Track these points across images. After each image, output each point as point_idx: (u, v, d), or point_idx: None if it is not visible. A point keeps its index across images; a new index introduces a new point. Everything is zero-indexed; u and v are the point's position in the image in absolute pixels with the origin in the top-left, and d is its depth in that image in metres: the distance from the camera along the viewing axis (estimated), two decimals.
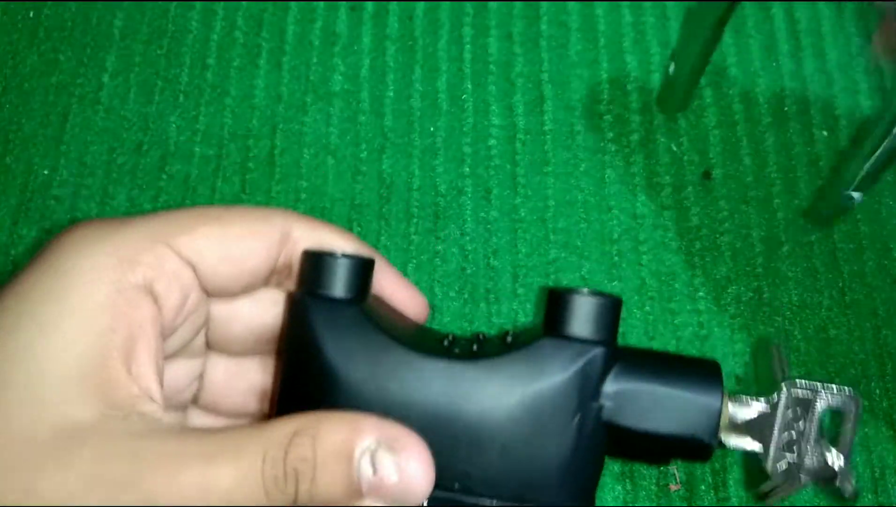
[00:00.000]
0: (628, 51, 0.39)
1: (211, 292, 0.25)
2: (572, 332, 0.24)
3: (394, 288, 0.28)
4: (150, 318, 0.23)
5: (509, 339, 0.25)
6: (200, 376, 0.27)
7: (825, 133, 0.38)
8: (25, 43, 0.40)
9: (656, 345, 0.35)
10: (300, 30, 0.40)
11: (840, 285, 0.36)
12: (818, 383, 0.26)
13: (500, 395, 0.24)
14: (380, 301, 0.27)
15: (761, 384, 0.32)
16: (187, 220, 0.24)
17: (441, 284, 0.35)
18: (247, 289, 0.26)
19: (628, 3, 0.40)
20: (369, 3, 0.40)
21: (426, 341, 0.25)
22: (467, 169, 0.37)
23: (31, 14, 0.40)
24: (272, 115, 0.38)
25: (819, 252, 0.36)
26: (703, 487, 0.33)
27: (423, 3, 0.40)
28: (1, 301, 0.22)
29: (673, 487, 0.33)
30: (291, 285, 0.27)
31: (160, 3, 0.40)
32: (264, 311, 0.27)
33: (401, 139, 0.38)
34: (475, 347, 0.25)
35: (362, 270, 0.26)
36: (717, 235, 0.36)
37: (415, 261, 0.36)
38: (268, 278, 0.26)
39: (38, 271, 0.23)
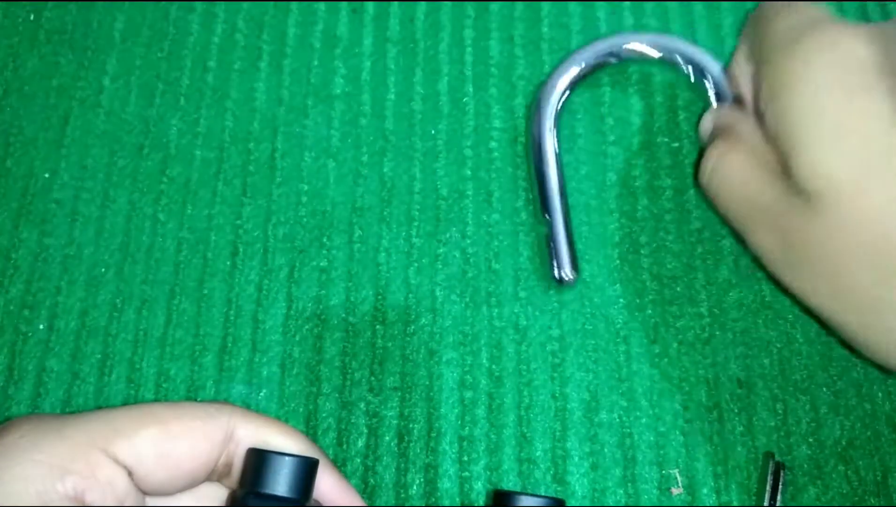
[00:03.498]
0: None
1: (148, 492, 0.25)
2: None
3: (334, 491, 0.27)
4: None
5: None
6: None
7: None
8: (26, 46, 0.40)
9: (658, 347, 0.34)
10: (301, 32, 0.40)
11: None
12: None
13: None
14: (317, 503, 0.27)
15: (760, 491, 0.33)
16: (128, 422, 0.24)
17: (442, 287, 0.35)
18: (186, 488, 0.26)
19: (629, 4, 0.40)
20: (370, 5, 0.40)
21: None
22: (469, 172, 0.37)
23: (32, 17, 0.40)
24: (273, 117, 0.38)
25: None
26: (704, 490, 0.33)
27: (424, 5, 0.40)
28: None
29: (675, 491, 0.33)
30: (232, 482, 0.27)
31: (161, 5, 0.40)
32: (203, 505, 0.27)
33: (402, 142, 0.38)
34: None
35: (307, 470, 0.25)
36: (719, 239, 0.36)
37: (416, 264, 0.36)
38: (208, 476, 0.26)
39: None
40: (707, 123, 0.35)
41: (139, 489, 0.25)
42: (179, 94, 0.39)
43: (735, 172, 0.32)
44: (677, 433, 0.33)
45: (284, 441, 0.27)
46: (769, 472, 0.32)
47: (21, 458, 0.23)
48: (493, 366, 0.34)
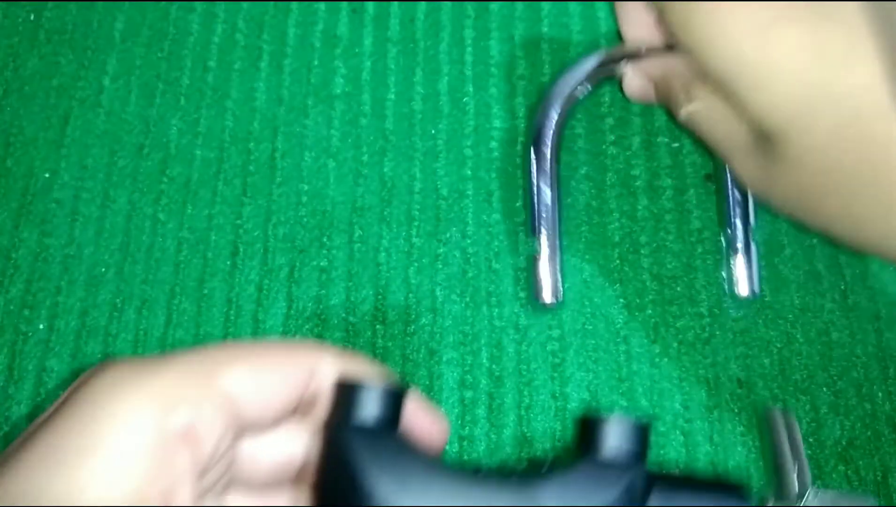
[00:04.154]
0: None
1: (243, 428, 0.25)
2: (611, 456, 0.25)
3: (419, 414, 0.28)
4: (188, 464, 0.22)
5: (546, 468, 0.26)
6: None
7: None
8: (26, 46, 0.40)
9: (658, 347, 0.34)
10: (301, 32, 0.40)
11: (842, 287, 0.36)
12: (840, 492, 0.29)
13: None
14: (405, 430, 0.27)
15: (766, 454, 0.33)
16: (224, 356, 0.24)
17: (442, 287, 0.35)
18: (274, 424, 0.26)
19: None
20: (370, 4, 0.40)
21: (461, 470, 0.26)
22: (469, 172, 0.37)
23: (32, 17, 0.40)
24: (273, 117, 0.38)
25: (821, 255, 0.36)
26: None
27: (424, 5, 0.40)
28: (33, 450, 0.22)
29: None
30: (314, 418, 0.27)
31: (161, 5, 0.40)
32: (286, 445, 0.27)
33: (402, 142, 0.38)
34: (517, 477, 0.26)
35: (396, 399, 0.26)
36: (719, 239, 0.36)
37: (416, 264, 0.36)
38: (292, 412, 0.27)
39: (69, 419, 0.22)
40: (634, 83, 0.35)
41: (237, 425, 0.25)
42: (180, 94, 0.39)
43: (704, 118, 0.32)
44: (677, 432, 0.33)
45: (368, 373, 0.27)
46: (779, 427, 0.31)
47: (130, 393, 0.22)
48: (493, 366, 0.34)
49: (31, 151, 0.38)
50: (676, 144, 0.38)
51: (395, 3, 0.40)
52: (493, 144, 0.38)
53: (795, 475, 0.30)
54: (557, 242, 0.35)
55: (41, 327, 0.35)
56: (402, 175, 0.37)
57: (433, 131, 0.38)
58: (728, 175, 0.35)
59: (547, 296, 0.34)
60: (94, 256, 0.36)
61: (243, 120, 0.38)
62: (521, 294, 0.35)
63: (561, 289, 0.35)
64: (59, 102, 0.39)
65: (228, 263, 0.36)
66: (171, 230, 0.36)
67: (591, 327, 0.35)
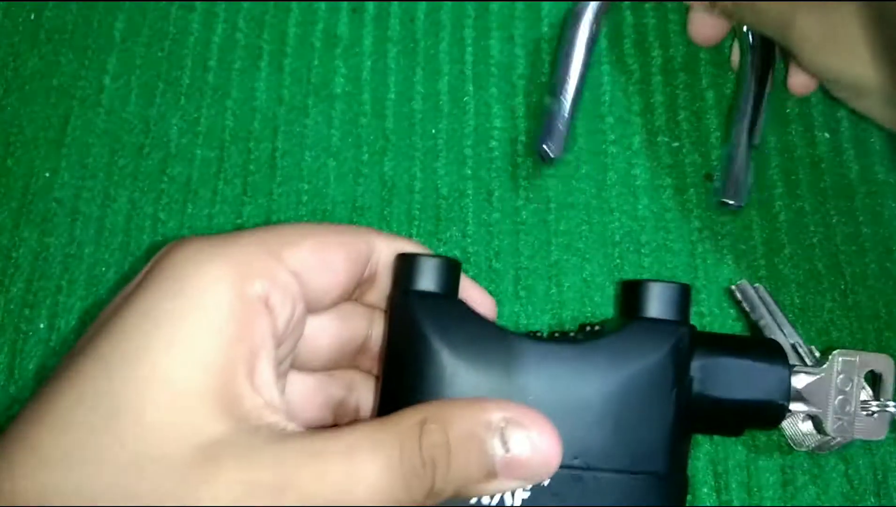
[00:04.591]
0: (629, 53, 0.39)
1: (309, 301, 0.26)
2: (660, 315, 0.27)
3: (468, 289, 0.29)
4: (269, 329, 0.23)
5: (598, 328, 0.28)
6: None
7: (827, 135, 0.38)
8: (27, 45, 0.40)
9: None
10: (301, 32, 0.40)
11: (842, 287, 0.36)
12: (860, 352, 0.31)
13: (608, 374, 0.26)
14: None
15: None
16: (290, 234, 0.25)
17: None
18: (336, 302, 0.27)
19: (629, 3, 0.40)
20: (371, 4, 0.40)
21: (518, 332, 0.27)
22: (469, 171, 0.37)
23: (33, 16, 0.40)
24: (273, 117, 0.38)
25: (821, 254, 0.36)
26: (705, 490, 0.33)
27: (424, 4, 0.40)
28: (122, 319, 0.22)
29: None
30: (372, 297, 0.28)
31: (161, 5, 0.40)
32: (346, 325, 0.28)
33: (402, 141, 0.38)
34: (570, 334, 0.28)
35: (453, 269, 0.27)
36: (719, 238, 0.36)
37: None
38: (352, 294, 0.28)
39: (157, 286, 0.23)
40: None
41: (305, 301, 0.25)
42: (180, 93, 0.39)
43: None
44: None
45: (420, 251, 0.28)
46: (752, 298, 0.33)
47: (208, 265, 0.23)
48: None
49: (31, 150, 0.38)
50: (676, 144, 0.38)
51: (395, 3, 0.40)
52: (493, 143, 0.38)
53: (788, 337, 0.32)
54: (578, 104, 0.36)
55: (42, 326, 0.35)
56: (403, 175, 0.37)
57: (433, 131, 0.38)
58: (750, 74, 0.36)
59: (552, 147, 0.35)
60: (94, 255, 0.36)
61: (244, 119, 0.38)
62: (522, 294, 0.35)
63: (564, 147, 0.35)
64: (59, 102, 0.39)
65: None
66: (171, 230, 0.36)
67: None
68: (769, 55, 0.37)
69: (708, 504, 0.32)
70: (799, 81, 0.37)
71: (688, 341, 0.27)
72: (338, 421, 0.29)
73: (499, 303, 0.35)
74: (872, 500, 0.33)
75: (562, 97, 0.36)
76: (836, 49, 0.32)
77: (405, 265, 0.27)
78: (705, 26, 0.38)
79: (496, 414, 0.22)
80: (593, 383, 0.26)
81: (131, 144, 0.38)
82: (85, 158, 0.38)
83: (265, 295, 0.23)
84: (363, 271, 0.27)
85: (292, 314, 0.24)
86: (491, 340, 0.26)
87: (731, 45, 0.39)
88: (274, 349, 0.23)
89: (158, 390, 0.21)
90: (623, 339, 0.26)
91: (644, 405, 0.26)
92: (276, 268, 0.24)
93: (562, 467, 0.22)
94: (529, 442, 0.22)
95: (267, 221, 0.36)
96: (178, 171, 0.37)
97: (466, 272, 0.35)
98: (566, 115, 0.36)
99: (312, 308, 0.26)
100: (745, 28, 0.37)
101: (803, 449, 0.32)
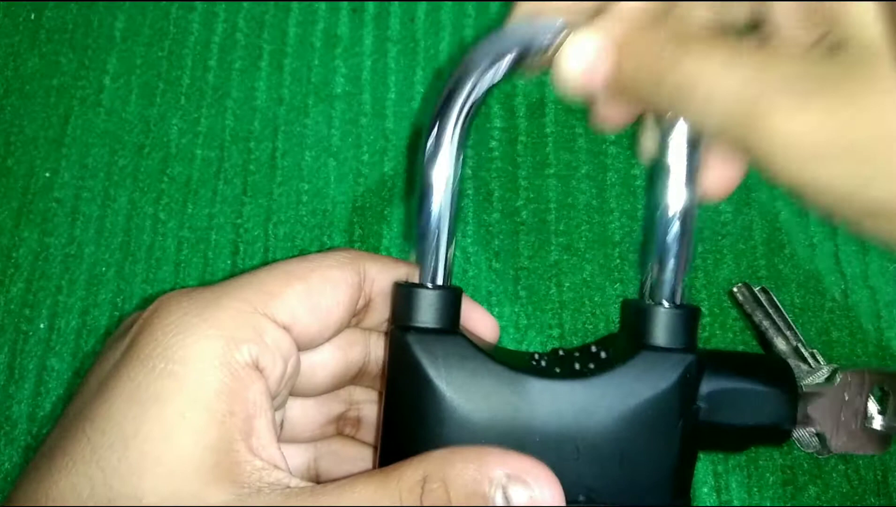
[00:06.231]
0: None
1: (302, 348, 0.26)
2: (667, 344, 0.26)
3: (469, 311, 0.28)
4: (261, 391, 0.23)
5: (603, 355, 0.27)
6: (282, 420, 0.28)
7: None
8: (27, 45, 0.40)
9: None
10: (302, 32, 0.40)
11: (842, 287, 0.36)
12: (865, 369, 0.31)
13: (614, 409, 0.25)
14: (464, 327, 0.28)
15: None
16: (274, 283, 0.25)
17: None
18: (332, 337, 0.27)
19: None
20: (371, 4, 0.40)
21: (520, 363, 0.26)
22: (469, 171, 0.37)
23: (33, 16, 0.40)
24: (274, 117, 0.38)
25: (821, 254, 0.36)
26: (705, 490, 0.33)
27: (424, 4, 0.40)
28: (109, 404, 0.22)
29: None
30: (369, 322, 0.28)
31: (161, 4, 0.40)
32: (343, 354, 0.28)
33: (402, 141, 0.38)
34: (576, 365, 0.26)
35: (453, 300, 0.26)
36: (720, 238, 0.36)
37: None
38: (350, 321, 0.27)
39: (142, 365, 0.23)
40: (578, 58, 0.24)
41: (297, 347, 0.25)
42: (180, 93, 0.39)
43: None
44: None
45: (414, 274, 0.27)
46: (751, 300, 0.33)
47: (195, 333, 0.23)
48: None
49: (31, 150, 0.38)
50: None
51: (396, 2, 0.40)
52: (493, 143, 0.38)
53: (791, 340, 0.32)
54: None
55: (42, 326, 0.35)
56: (403, 174, 0.37)
57: None
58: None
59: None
60: (94, 255, 0.36)
61: (244, 119, 0.38)
62: (522, 294, 0.35)
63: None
64: (59, 102, 0.39)
65: (229, 262, 0.36)
66: (171, 230, 0.36)
67: (591, 327, 0.35)
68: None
69: (708, 504, 0.32)
70: (719, 180, 0.27)
71: (695, 370, 0.26)
72: (341, 432, 0.30)
73: (499, 303, 0.35)
74: (873, 500, 0.33)
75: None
76: (850, 159, 0.22)
77: (403, 298, 0.26)
78: (611, 112, 0.27)
79: (498, 470, 0.22)
80: (600, 420, 0.25)
81: (131, 144, 0.38)
82: (85, 158, 0.38)
83: (254, 360, 0.23)
84: (356, 304, 0.27)
85: (284, 371, 0.24)
86: (494, 379, 0.25)
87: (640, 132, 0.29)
88: (270, 409, 0.23)
89: (152, 475, 0.21)
90: (629, 374, 0.25)
91: (651, 439, 0.25)
92: (263, 328, 0.24)
93: (567, 505, 0.23)
94: (530, 499, 0.22)
95: (267, 221, 0.37)
96: (179, 171, 0.37)
97: (467, 273, 0.36)
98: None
99: (307, 348, 0.26)
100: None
101: (810, 450, 0.32)
